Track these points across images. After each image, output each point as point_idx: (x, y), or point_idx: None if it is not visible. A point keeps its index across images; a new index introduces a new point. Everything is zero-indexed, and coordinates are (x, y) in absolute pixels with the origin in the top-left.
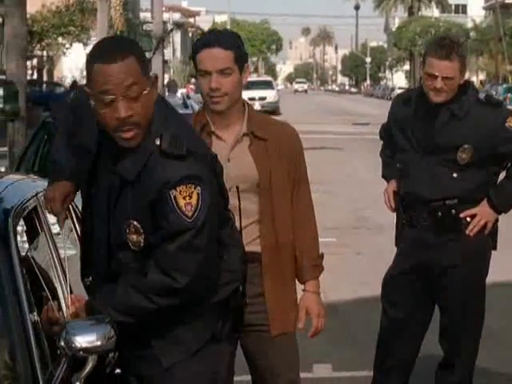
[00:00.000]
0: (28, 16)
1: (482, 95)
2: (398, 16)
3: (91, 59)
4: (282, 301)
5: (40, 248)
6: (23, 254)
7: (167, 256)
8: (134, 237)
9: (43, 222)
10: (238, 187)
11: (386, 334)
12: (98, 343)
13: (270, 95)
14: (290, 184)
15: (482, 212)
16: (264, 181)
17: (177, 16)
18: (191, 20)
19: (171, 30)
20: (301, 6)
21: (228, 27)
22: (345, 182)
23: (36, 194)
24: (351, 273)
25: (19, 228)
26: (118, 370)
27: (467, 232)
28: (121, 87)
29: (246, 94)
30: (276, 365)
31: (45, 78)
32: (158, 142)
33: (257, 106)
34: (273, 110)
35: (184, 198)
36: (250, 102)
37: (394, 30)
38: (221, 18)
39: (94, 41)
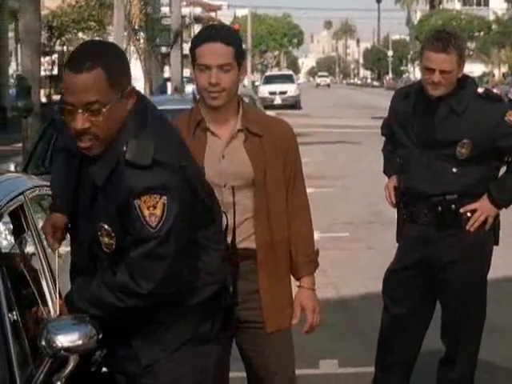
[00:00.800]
0: (48, 11)
1: (481, 90)
2: (420, 9)
3: (66, 63)
4: (277, 298)
5: (25, 246)
6: (6, 251)
7: (133, 261)
8: (106, 239)
9: (29, 220)
10: (232, 186)
11: (387, 332)
12: (80, 342)
13: (290, 89)
14: (285, 181)
15: (483, 207)
16: (259, 177)
17: (198, 10)
18: (212, 14)
19: (189, 24)
20: (322, 0)
21: (249, 21)
22: (360, 177)
23: (22, 193)
24: (363, 268)
25: (2, 226)
26: (104, 369)
27: (467, 227)
28: (81, 101)
29: (267, 88)
30: (271, 362)
31: None
32: (124, 150)
33: (277, 99)
34: (293, 103)
35: (148, 208)
36: (270, 96)
37: (415, 23)
38: (242, 12)
39: (112, 36)
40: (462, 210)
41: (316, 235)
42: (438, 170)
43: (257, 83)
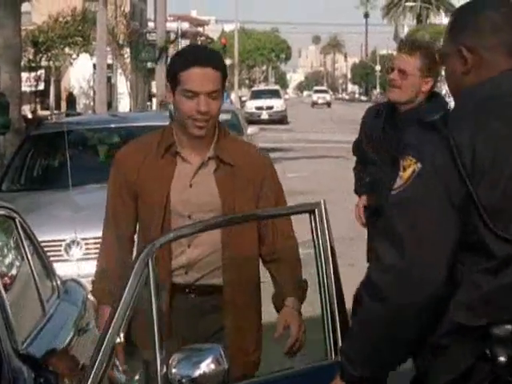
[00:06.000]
0: (35, 27)
1: (450, 107)
2: (407, 24)
3: None
4: (244, 340)
5: None
6: None
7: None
8: None
9: None
10: (189, 216)
11: None
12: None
13: (277, 104)
14: (256, 244)
15: None
16: (227, 210)
17: (186, 25)
18: (200, 29)
19: (174, 40)
20: (310, 15)
21: (236, 36)
22: (344, 192)
23: None
24: (343, 284)
25: None
26: None
27: None
28: None
29: (253, 104)
30: None
31: (52, 90)
32: None
33: (264, 114)
34: (280, 118)
35: None
36: (257, 111)
37: (403, 37)
38: (230, 27)
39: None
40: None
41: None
42: None
43: (244, 98)
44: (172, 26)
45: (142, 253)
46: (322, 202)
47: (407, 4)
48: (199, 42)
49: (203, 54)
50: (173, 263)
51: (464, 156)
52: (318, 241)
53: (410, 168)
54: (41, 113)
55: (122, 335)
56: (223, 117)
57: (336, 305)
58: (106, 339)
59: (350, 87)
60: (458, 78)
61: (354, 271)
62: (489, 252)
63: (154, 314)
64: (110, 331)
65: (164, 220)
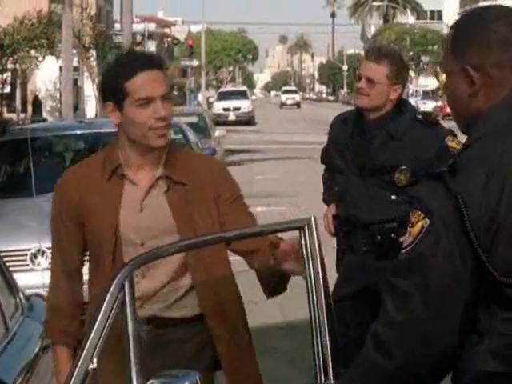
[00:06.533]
0: (0, 30)
1: (419, 115)
2: (374, 23)
3: None
4: (243, 365)
5: None
6: None
7: None
8: None
9: None
10: (142, 244)
11: None
12: None
13: (244, 105)
14: (221, 226)
15: None
16: (185, 232)
17: (152, 26)
18: (167, 30)
19: (140, 42)
20: (278, 15)
21: (203, 37)
22: (313, 194)
23: None
24: None
25: None
26: None
27: None
28: None
29: (221, 105)
30: None
31: (18, 92)
32: None
33: (231, 116)
34: (247, 119)
35: None
36: (224, 112)
37: (370, 37)
38: (196, 28)
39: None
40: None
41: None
42: (377, 197)
43: (211, 99)
44: (138, 27)
45: (117, 274)
46: (313, 218)
47: (374, 3)
48: (166, 44)
49: (146, 58)
50: None
51: (472, 214)
52: (309, 259)
53: (418, 224)
54: (7, 115)
55: (95, 361)
56: (190, 119)
57: (327, 327)
58: (79, 366)
59: (318, 87)
60: (464, 101)
61: None
62: (508, 303)
63: (130, 339)
64: (82, 358)
65: (115, 250)
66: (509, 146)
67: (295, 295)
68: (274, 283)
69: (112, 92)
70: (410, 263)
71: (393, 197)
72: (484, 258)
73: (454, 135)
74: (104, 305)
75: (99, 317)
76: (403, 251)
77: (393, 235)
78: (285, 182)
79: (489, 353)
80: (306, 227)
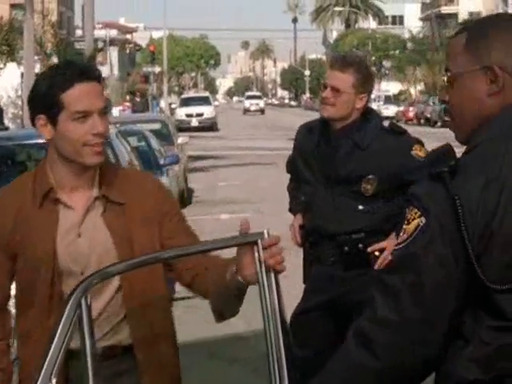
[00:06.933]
0: None
1: (385, 123)
2: (336, 28)
3: None
4: None
5: None
6: None
7: None
8: None
9: None
10: (82, 272)
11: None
12: None
13: (207, 111)
14: (162, 281)
15: (391, 245)
16: (124, 255)
17: (114, 33)
18: (128, 36)
19: (102, 48)
20: (240, 21)
21: (165, 43)
22: (277, 201)
23: None
24: None
25: None
26: None
27: (376, 267)
28: None
29: (183, 111)
30: None
31: None
32: None
33: (194, 122)
34: (210, 125)
35: None
36: (187, 118)
37: (331, 42)
38: (158, 34)
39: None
40: (369, 250)
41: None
42: (344, 207)
43: (174, 105)
44: (100, 33)
45: (75, 291)
46: (266, 231)
47: (336, 9)
48: (128, 50)
49: (84, 68)
50: None
51: (468, 218)
52: (262, 273)
53: (414, 221)
54: None
55: (54, 381)
56: (153, 126)
57: (281, 338)
58: None
59: (280, 92)
60: (478, 102)
61: (287, 282)
62: (499, 311)
63: (88, 357)
64: (41, 378)
65: (53, 281)
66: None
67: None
68: (228, 305)
69: (45, 104)
70: (403, 261)
71: (360, 207)
72: (475, 263)
73: (422, 144)
74: (61, 323)
75: (57, 336)
76: (396, 247)
77: (360, 246)
78: (248, 189)
79: (472, 361)
80: (259, 241)
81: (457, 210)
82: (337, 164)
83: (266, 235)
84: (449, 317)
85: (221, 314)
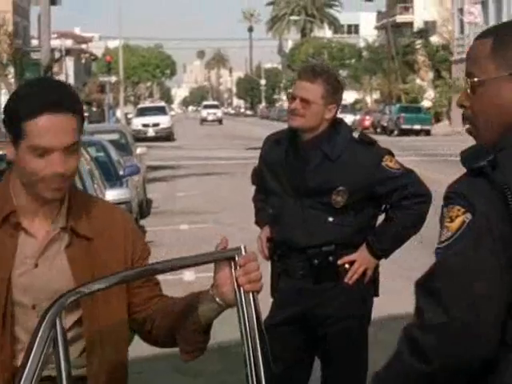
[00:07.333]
0: None
1: (355, 134)
2: (291, 38)
3: None
4: None
5: None
6: None
7: None
8: None
9: None
10: (34, 306)
11: None
12: None
13: (163, 121)
14: (125, 292)
15: (362, 258)
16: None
17: (69, 42)
18: (84, 46)
19: (59, 59)
20: (196, 30)
21: (120, 53)
22: (236, 211)
23: None
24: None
25: None
26: None
27: (346, 280)
28: None
29: (140, 121)
30: None
31: None
32: None
33: (151, 132)
34: (167, 135)
35: None
36: (143, 128)
37: (287, 51)
38: (114, 44)
39: None
40: (339, 262)
41: (192, 275)
42: (313, 219)
43: (130, 115)
44: (55, 43)
45: (48, 311)
46: (243, 247)
47: (291, 18)
48: (83, 60)
49: (55, 95)
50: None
51: None
52: (240, 288)
53: (458, 218)
54: None
55: None
56: (111, 137)
57: (260, 356)
58: None
59: (236, 101)
60: (505, 108)
61: None
62: None
63: (63, 379)
64: None
65: (5, 313)
66: None
67: (224, 317)
68: (196, 341)
69: (9, 124)
70: (448, 259)
71: (330, 219)
72: None
73: (392, 155)
74: (35, 345)
75: (30, 359)
76: (440, 246)
77: (330, 258)
78: (207, 198)
79: None
80: (236, 256)
81: (506, 197)
82: (306, 176)
83: (243, 250)
84: (498, 315)
85: (191, 352)
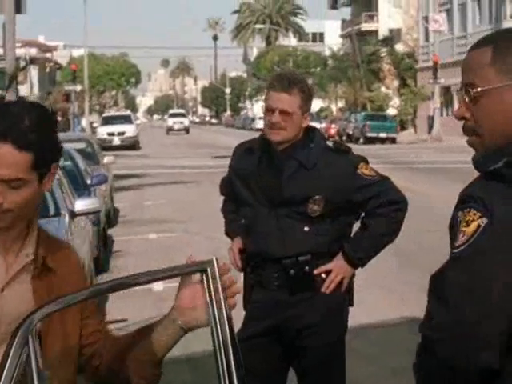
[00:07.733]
0: None
1: (330, 142)
2: (256, 46)
3: None
4: None
5: None
6: None
7: None
8: None
9: None
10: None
11: None
12: None
13: (129, 130)
14: (79, 319)
15: (338, 267)
16: (45, 325)
17: (34, 51)
18: (48, 55)
19: (24, 67)
20: (160, 39)
21: (85, 61)
22: (203, 220)
23: None
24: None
25: None
26: None
27: (323, 290)
28: None
29: (105, 130)
30: None
31: None
32: None
33: (116, 140)
34: (132, 144)
35: None
36: (109, 137)
37: (252, 59)
38: (78, 53)
39: None
40: (316, 272)
41: (160, 285)
42: (289, 229)
43: (95, 124)
44: (19, 52)
45: (19, 329)
46: (214, 259)
47: (256, 26)
48: (48, 69)
49: (6, 124)
50: None
51: None
52: (212, 302)
53: (473, 223)
54: None
55: None
56: (78, 146)
57: (234, 372)
58: None
59: (201, 110)
60: (509, 116)
61: None
62: None
63: None
64: None
65: None
66: None
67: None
68: (152, 373)
69: None
70: (464, 262)
71: (306, 228)
72: None
73: (367, 162)
74: (7, 365)
75: (2, 380)
76: (456, 250)
77: (307, 268)
78: (174, 207)
79: None
80: (208, 269)
81: None
82: (282, 185)
83: (214, 263)
84: (508, 320)
85: (147, 378)
